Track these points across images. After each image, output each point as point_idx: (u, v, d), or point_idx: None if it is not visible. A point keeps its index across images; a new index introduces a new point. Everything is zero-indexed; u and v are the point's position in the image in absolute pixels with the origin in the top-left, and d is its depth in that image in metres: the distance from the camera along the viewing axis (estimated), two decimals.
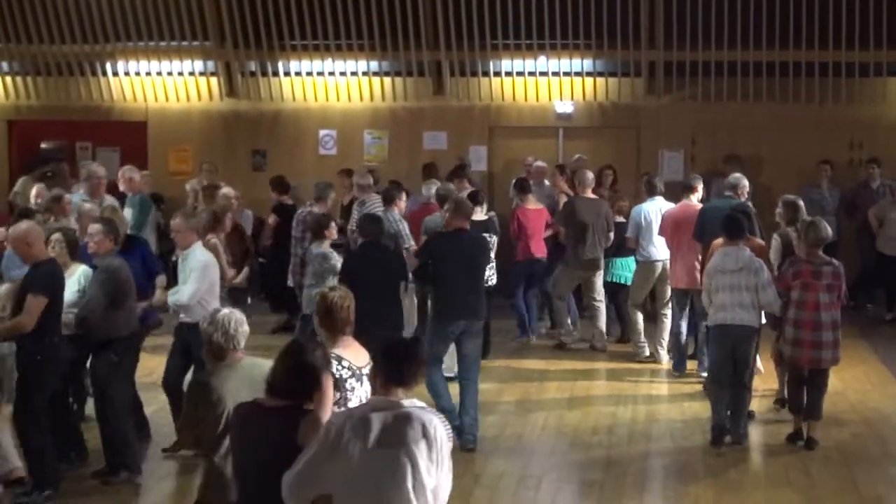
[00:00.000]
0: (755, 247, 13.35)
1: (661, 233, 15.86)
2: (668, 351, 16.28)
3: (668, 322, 16.29)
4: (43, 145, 23.32)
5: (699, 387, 14.87)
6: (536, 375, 15.72)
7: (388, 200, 15.75)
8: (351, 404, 7.80)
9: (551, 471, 11.92)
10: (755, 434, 13.20)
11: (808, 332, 12.45)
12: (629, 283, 17.21)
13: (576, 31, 20.79)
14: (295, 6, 21.19)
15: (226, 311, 7.99)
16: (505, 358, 16.40)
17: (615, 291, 17.60)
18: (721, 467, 12.00)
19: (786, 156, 20.70)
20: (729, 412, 12.72)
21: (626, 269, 17.40)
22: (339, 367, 8.02)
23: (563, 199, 18.00)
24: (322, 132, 22.21)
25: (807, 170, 20.22)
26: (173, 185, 20.92)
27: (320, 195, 16.68)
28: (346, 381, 8.03)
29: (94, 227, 11.60)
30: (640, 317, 16.75)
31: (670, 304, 16.14)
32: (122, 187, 17.32)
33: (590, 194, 17.17)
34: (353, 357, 8.14)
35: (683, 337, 15.76)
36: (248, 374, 7.58)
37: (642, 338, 16.67)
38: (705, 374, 14.61)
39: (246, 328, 7.91)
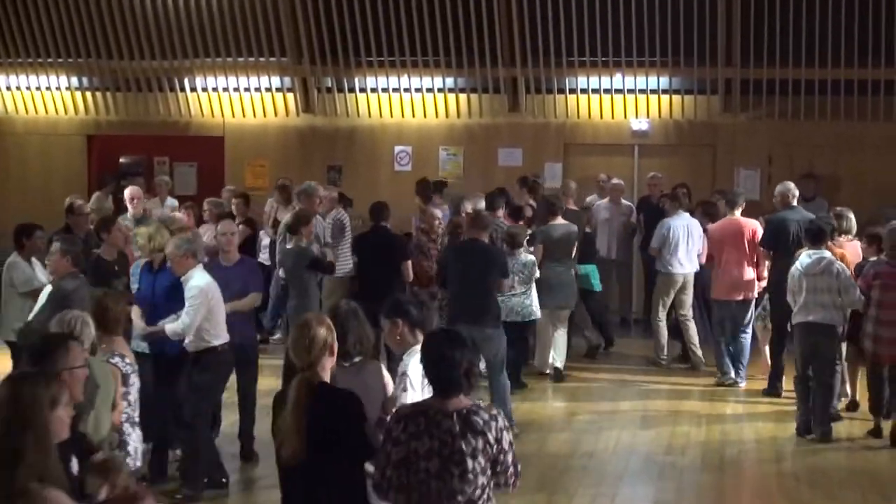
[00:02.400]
0: (837, 254, 13.86)
1: (710, 247, 16.41)
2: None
3: (692, 325, 17.07)
4: (122, 160, 23.56)
5: (773, 406, 14.87)
6: (609, 393, 15.67)
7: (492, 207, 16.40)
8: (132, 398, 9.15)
9: (623, 490, 11.87)
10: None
11: (888, 329, 13.13)
12: (597, 288, 17.65)
13: (652, 49, 20.73)
14: (372, 23, 21.28)
15: (75, 312, 8.61)
16: (577, 373, 16.37)
17: (584, 297, 17.62)
18: (794, 488, 11.91)
19: (863, 174, 20.50)
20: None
21: (593, 276, 17.66)
22: (125, 364, 9.16)
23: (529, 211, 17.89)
24: (397, 148, 22.28)
25: (884, 188, 20.01)
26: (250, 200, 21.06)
27: (456, 208, 16.55)
28: (129, 376, 9.22)
29: (52, 247, 11.88)
30: (664, 328, 17.24)
31: (691, 311, 17.07)
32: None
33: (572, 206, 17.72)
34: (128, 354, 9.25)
35: (724, 347, 16.21)
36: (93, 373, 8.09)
37: (665, 349, 17.32)
38: (737, 380, 15.99)
39: (91, 330, 8.54)
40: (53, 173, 23.34)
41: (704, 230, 16.77)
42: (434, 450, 6.46)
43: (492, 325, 13.27)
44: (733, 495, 12.09)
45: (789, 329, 14.26)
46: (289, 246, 14.48)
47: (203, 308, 11.22)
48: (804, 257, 13.56)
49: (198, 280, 11.33)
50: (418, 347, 7.33)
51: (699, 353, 17.04)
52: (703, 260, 16.80)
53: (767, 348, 15.83)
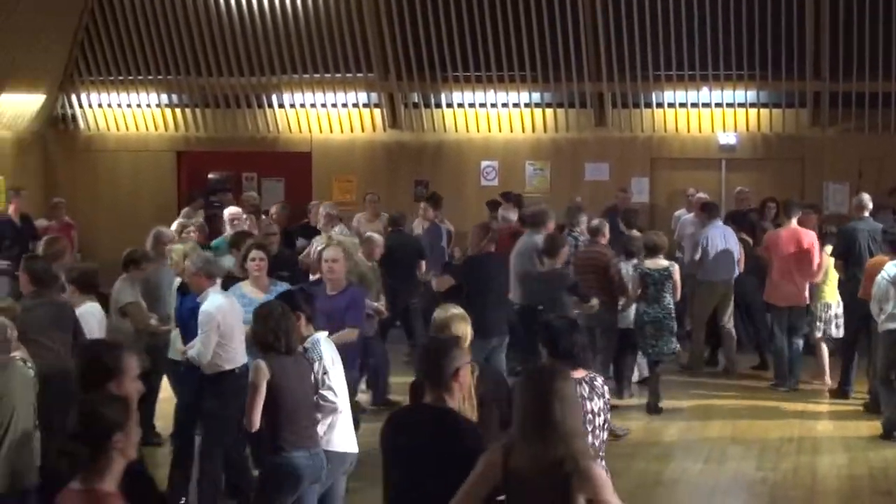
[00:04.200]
0: None
1: (765, 254, 16.83)
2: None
3: (732, 332, 17.49)
4: (210, 176, 23.79)
5: (864, 420, 14.76)
6: (700, 407, 15.61)
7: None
8: None
9: None
10: None
11: None
12: None
13: (740, 62, 20.65)
14: (458, 38, 21.37)
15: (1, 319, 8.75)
16: (667, 390, 16.32)
17: None
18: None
19: None
20: None
21: None
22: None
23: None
24: (484, 163, 22.34)
25: None
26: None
27: (539, 221, 16.26)
28: None
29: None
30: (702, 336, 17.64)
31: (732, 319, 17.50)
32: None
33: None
34: None
35: (786, 352, 16.54)
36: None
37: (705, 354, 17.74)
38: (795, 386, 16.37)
39: (14, 333, 8.83)
40: (143, 189, 23.60)
41: (739, 238, 17.45)
42: None
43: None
44: None
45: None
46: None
47: (214, 333, 10.90)
48: (890, 267, 13.91)
49: (209, 304, 11.03)
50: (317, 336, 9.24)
51: (735, 361, 17.51)
52: (742, 267, 17.31)
53: (826, 354, 16.55)
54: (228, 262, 13.64)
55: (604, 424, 7.73)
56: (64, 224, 20.59)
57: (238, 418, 10.04)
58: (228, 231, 16.31)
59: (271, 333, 8.70)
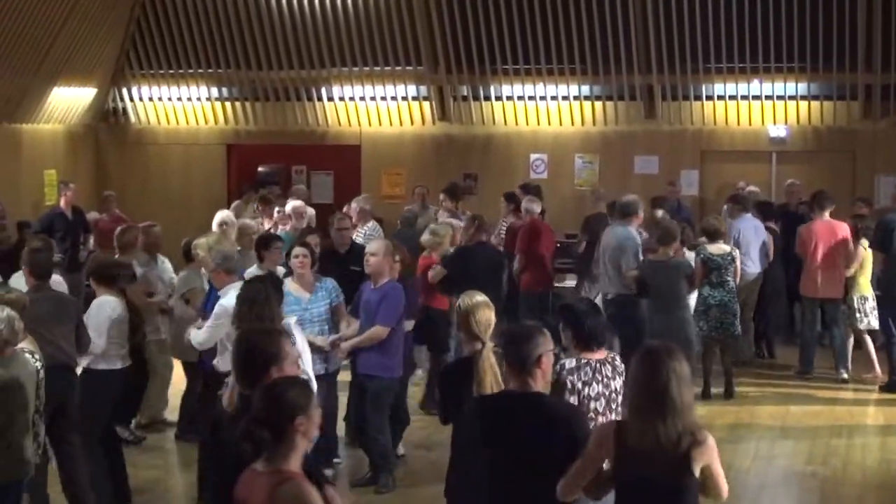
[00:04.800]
0: None
1: (799, 247, 16.95)
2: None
3: (751, 325, 17.53)
4: (260, 169, 23.87)
5: None
6: (748, 401, 15.54)
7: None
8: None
9: (763, 502, 11.77)
10: None
11: None
12: None
13: (790, 54, 20.54)
14: (507, 31, 21.36)
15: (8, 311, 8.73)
16: (715, 385, 16.26)
17: None
18: None
19: None
20: None
21: None
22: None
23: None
24: (533, 156, 22.32)
25: None
26: (386, 208, 21.14)
27: (630, 211, 15.94)
28: None
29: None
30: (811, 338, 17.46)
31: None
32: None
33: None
34: None
35: (813, 342, 16.92)
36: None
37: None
38: (845, 377, 16.34)
39: (21, 324, 8.80)
40: (193, 183, 23.73)
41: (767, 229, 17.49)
42: (601, 392, 7.88)
43: None
44: None
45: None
46: None
47: (222, 328, 10.72)
48: None
49: (227, 299, 10.70)
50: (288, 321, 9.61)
51: (751, 349, 17.77)
52: (771, 258, 17.45)
53: (872, 345, 16.58)
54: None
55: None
56: (114, 217, 20.71)
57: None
58: (293, 223, 16.34)
59: (256, 318, 8.79)
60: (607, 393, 7.96)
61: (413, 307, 12.62)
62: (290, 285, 11.79)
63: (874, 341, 16.55)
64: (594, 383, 7.89)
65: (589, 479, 6.45)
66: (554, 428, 6.74)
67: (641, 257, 15.06)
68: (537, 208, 17.41)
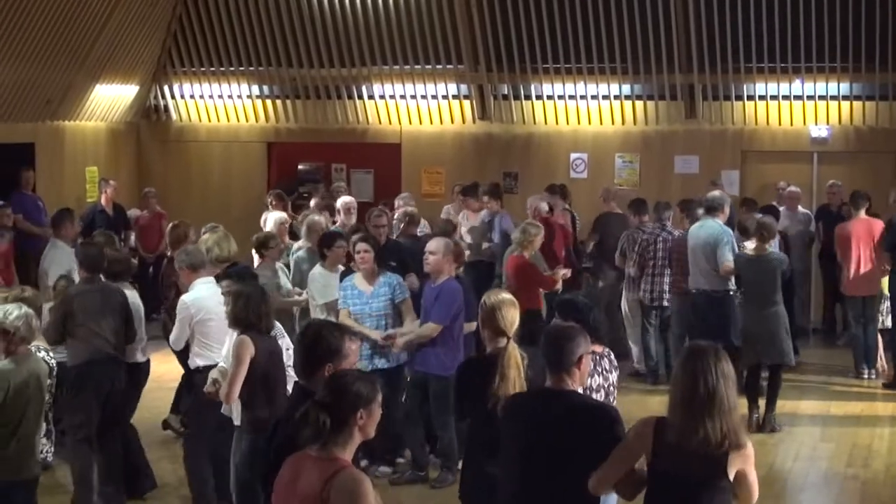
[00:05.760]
0: None
1: (837, 246, 17.31)
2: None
3: None
4: (300, 167, 23.91)
5: None
6: (789, 402, 15.48)
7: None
8: None
9: None
10: None
11: None
12: None
13: (832, 54, 20.43)
14: (548, 29, 21.32)
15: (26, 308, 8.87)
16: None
17: None
18: None
19: None
20: None
21: None
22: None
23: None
24: (573, 155, 22.28)
25: None
26: (426, 207, 21.13)
27: (717, 206, 15.79)
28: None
29: None
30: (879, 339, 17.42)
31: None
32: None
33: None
34: None
35: (862, 341, 16.89)
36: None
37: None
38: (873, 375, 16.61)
39: (38, 322, 8.97)
40: (234, 180, 23.79)
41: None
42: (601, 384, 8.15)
43: None
44: None
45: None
46: None
47: (185, 323, 10.98)
48: None
49: (189, 294, 11.13)
50: None
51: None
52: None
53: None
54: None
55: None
56: (155, 213, 20.87)
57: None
58: (342, 220, 16.39)
59: (253, 314, 9.23)
60: (606, 385, 8.23)
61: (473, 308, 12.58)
62: (355, 279, 12.15)
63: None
64: (595, 375, 8.11)
65: (622, 473, 6.51)
66: (592, 427, 6.77)
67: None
68: (544, 206, 17.40)
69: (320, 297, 12.67)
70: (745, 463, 6.36)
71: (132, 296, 11.75)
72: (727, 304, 15.13)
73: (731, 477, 6.33)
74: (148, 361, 11.97)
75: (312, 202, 18.65)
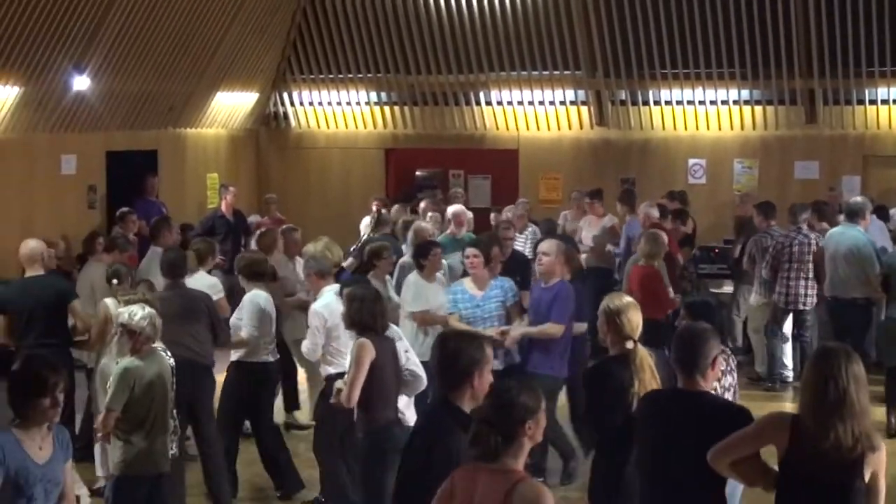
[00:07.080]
0: None
1: None
2: None
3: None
4: (418, 173, 24.03)
5: None
6: None
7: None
8: None
9: None
10: None
11: None
12: None
13: None
14: (666, 35, 21.22)
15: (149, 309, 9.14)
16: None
17: None
18: None
19: None
20: None
21: None
22: None
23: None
24: (691, 161, 22.14)
25: None
26: (544, 213, 21.09)
27: (859, 211, 15.56)
28: None
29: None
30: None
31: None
32: None
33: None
34: None
35: None
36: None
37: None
38: None
39: (160, 321, 9.18)
40: (352, 186, 23.94)
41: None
42: None
43: None
44: None
45: None
46: None
47: (318, 331, 11.02)
48: None
49: (319, 301, 11.23)
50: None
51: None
52: None
53: None
54: (454, 260, 13.91)
55: None
56: (275, 219, 21.02)
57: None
58: (453, 228, 16.39)
59: (370, 316, 9.40)
60: (735, 384, 8.68)
61: (581, 310, 12.51)
62: (466, 283, 12.29)
63: None
64: (727, 375, 8.53)
65: (745, 454, 6.50)
66: (729, 427, 6.71)
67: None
68: (655, 213, 17.08)
69: (412, 304, 12.54)
70: (879, 465, 6.32)
71: (266, 298, 11.86)
72: (867, 312, 14.91)
73: (867, 479, 6.28)
74: (277, 361, 12.09)
75: (421, 206, 18.71)
